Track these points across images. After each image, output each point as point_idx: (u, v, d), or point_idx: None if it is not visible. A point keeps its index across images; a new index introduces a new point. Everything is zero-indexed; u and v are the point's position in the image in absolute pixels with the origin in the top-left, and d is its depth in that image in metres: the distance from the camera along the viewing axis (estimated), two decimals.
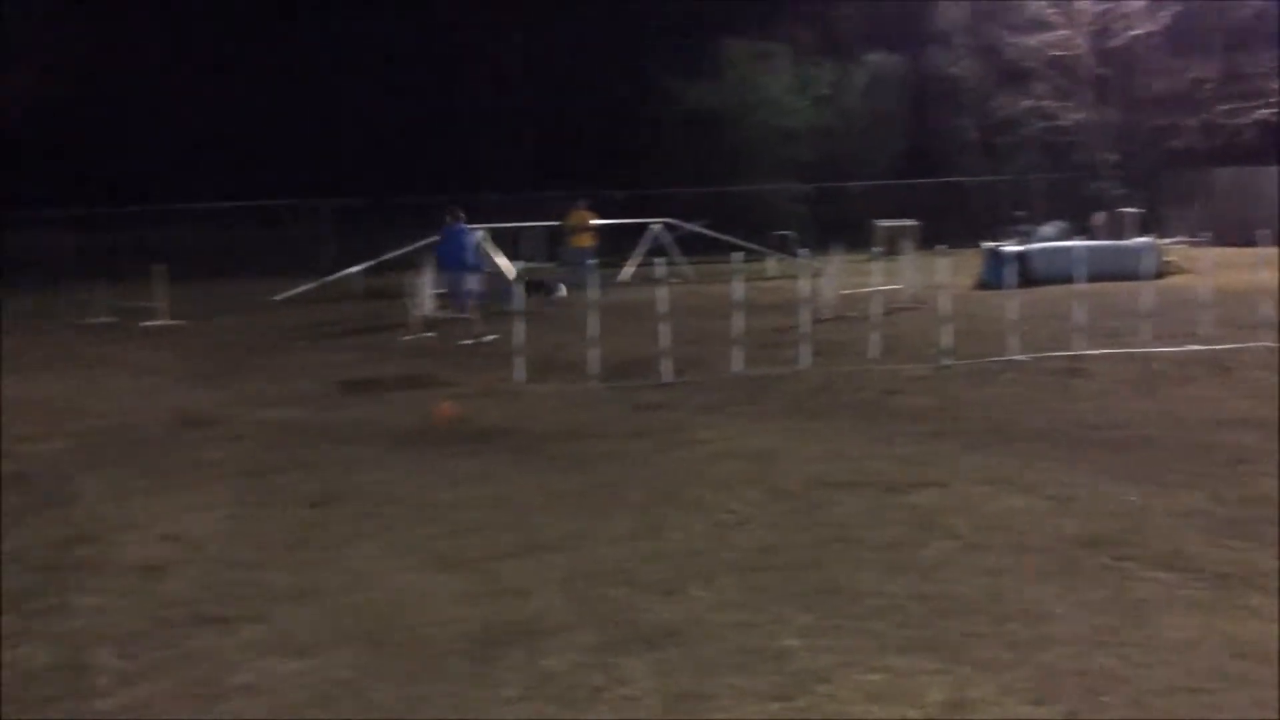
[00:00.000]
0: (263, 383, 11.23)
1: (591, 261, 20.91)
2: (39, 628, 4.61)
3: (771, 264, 23.03)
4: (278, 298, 21.73)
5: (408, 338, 14.61)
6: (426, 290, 16.93)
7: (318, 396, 10.32)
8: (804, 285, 12.05)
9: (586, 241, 22.27)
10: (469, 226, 15.97)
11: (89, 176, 33.89)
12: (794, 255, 21.21)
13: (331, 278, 23.12)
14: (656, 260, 14.31)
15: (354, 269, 23.04)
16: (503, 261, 22.73)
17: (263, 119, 37.80)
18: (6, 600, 4.93)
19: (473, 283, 15.11)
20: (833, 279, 15.66)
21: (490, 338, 13.72)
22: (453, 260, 15.28)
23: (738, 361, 10.84)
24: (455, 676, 4.03)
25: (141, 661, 4.23)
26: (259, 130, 37.50)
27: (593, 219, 22.72)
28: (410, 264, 18.81)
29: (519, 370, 10.66)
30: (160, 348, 14.71)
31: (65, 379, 11.95)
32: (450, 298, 15.74)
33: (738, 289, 11.45)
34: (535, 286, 18.37)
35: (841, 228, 24.45)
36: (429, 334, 14.78)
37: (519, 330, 10.94)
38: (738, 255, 15.18)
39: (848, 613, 4.53)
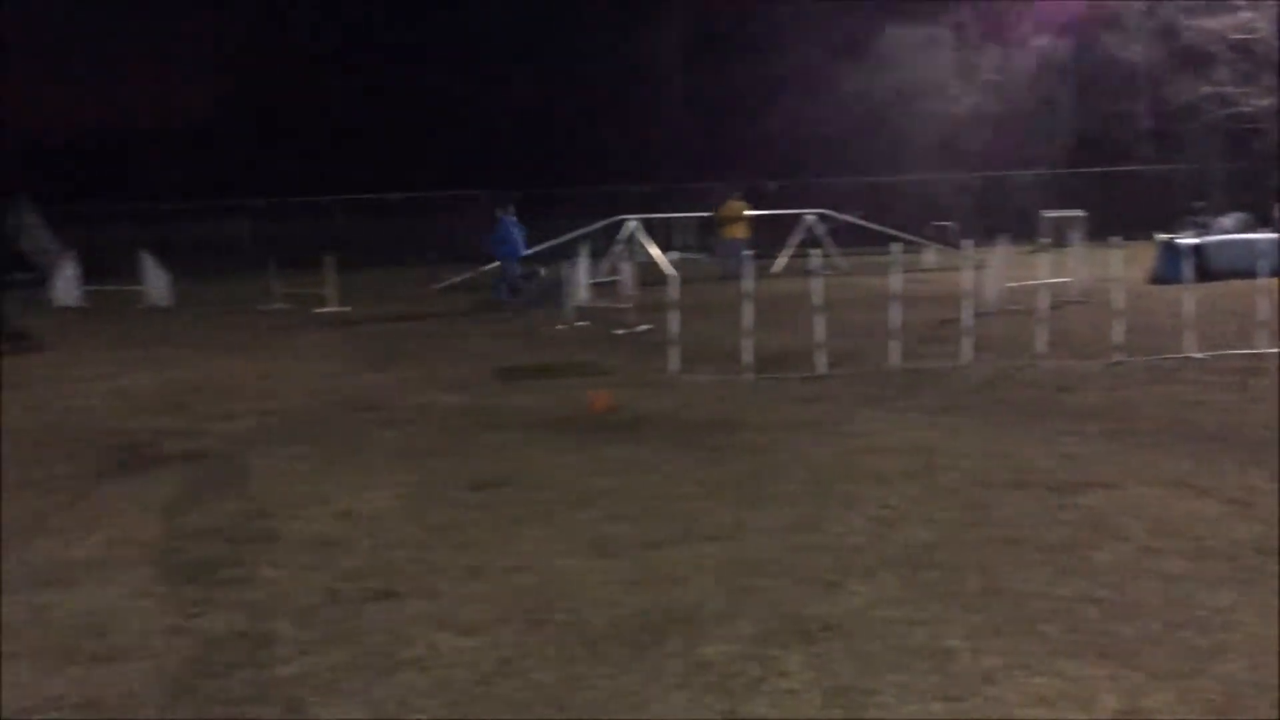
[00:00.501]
0: (425, 369, 11.61)
1: (745, 252, 20.88)
2: (222, 597, 4.86)
3: (930, 256, 22.53)
4: (437, 286, 22.42)
5: (561, 326, 14.86)
6: (581, 280, 17.19)
7: (478, 383, 10.60)
8: (966, 278, 11.72)
9: (740, 232, 22.23)
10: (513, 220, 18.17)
11: (264, 169, 35.53)
12: (955, 247, 20.72)
13: (488, 267, 23.71)
14: (811, 252, 14.14)
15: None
16: (654, 251, 22.93)
17: (429, 112, 39.00)
18: (194, 570, 5.23)
19: (514, 270, 17.36)
20: (996, 271, 15.20)
21: (644, 327, 13.83)
22: (505, 250, 17.55)
23: (895, 355, 10.65)
24: (614, 661, 4.08)
25: (318, 632, 4.42)
26: (424, 123, 38.72)
27: (747, 210, 22.64)
28: (565, 254, 19.13)
29: (673, 360, 10.72)
30: (330, 334, 15.37)
31: (246, 362, 12.61)
32: (497, 285, 17.72)
33: (895, 281, 11.24)
34: (528, 278, 18.13)
35: (1006, 219, 23.71)
36: (583, 323, 14.99)
37: (673, 320, 11.00)
38: (895, 246, 14.89)
39: (1014, 615, 4.40)
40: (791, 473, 6.73)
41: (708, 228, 25.65)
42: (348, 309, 18.65)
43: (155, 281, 21.02)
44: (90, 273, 21.93)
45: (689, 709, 3.70)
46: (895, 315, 10.88)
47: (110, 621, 4.58)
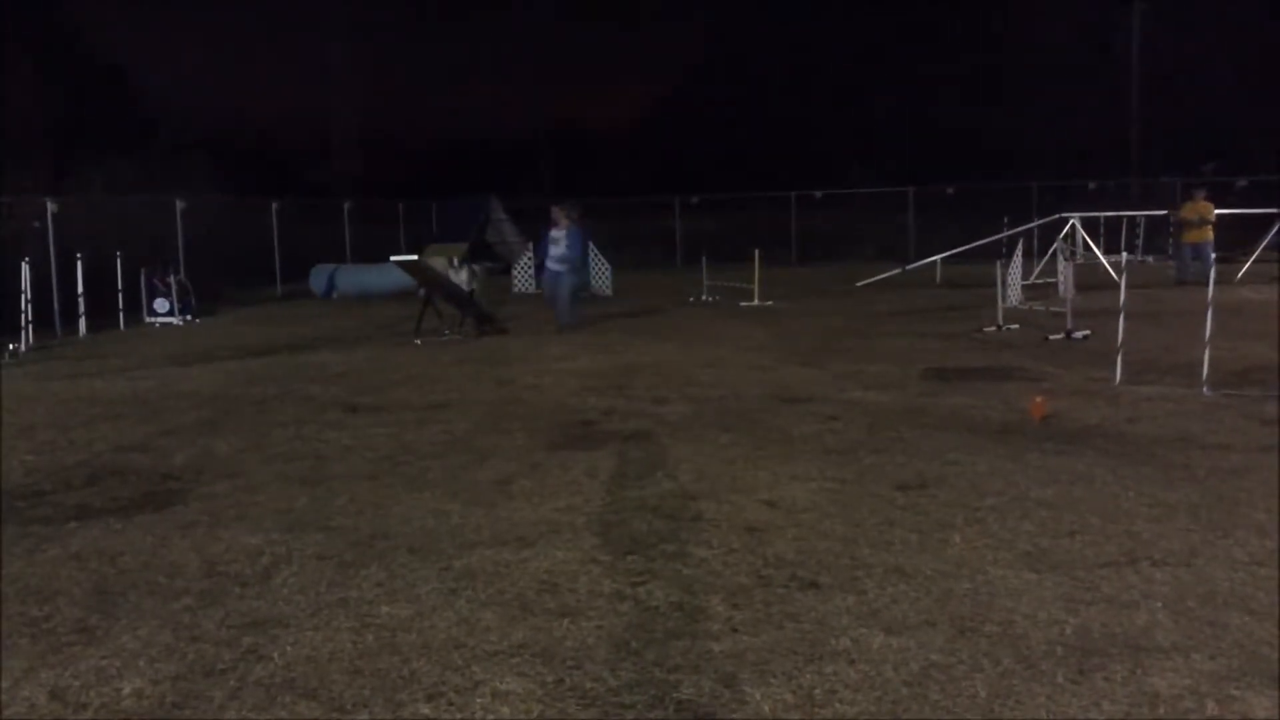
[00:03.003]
0: (850, 365, 11.63)
1: (1211, 256, 19.05)
2: (660, 569, 5.15)
3: None
4: (860, 284, 22.38)
5: (990, 328, 14.31)
6: (1015, 280, 16.45)
7: (904, 381, 10.46)
8: None
9: (1205, 235, 20.24)
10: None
11: (696, 167, 37.34)
12: None
13: (912, 265, 23.32)
14: None
15: (935, 257, 23.09)
16: (1097, 252, 21.42)
17: (855, 111, 39.12)
18: (634, 542, 5.59)
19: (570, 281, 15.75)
20: None
21: (1082, 334, 13.00)
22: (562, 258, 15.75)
23: None
24: (1050, 680, 3.88)
25: (747, 614, 4.56)
26: (852, 121, 38.88)
27: (1213, 210, 20.55)
28: (996, 253, 18.39)
29: (1118, 369, 9.98)
30: (755, 327, 15.82)
31: (679, 350, 13.29)
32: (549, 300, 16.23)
33: None
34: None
35: None
36: (1013, 326, 14.35)
37: (1119, 327, 10.23)
38: None
39: None
40: (1257, 500, 6.04)
41: (1158, 227, 23.59)
42: (771, 303, 19.11)
43: (600, 272, 22.71)
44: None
45: None
46: None
47: (563, 582, 5.01)
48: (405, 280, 18.24)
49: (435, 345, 14.38)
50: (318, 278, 24.31)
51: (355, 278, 24.17)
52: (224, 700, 3.89)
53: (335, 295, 23.68)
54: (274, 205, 25.39)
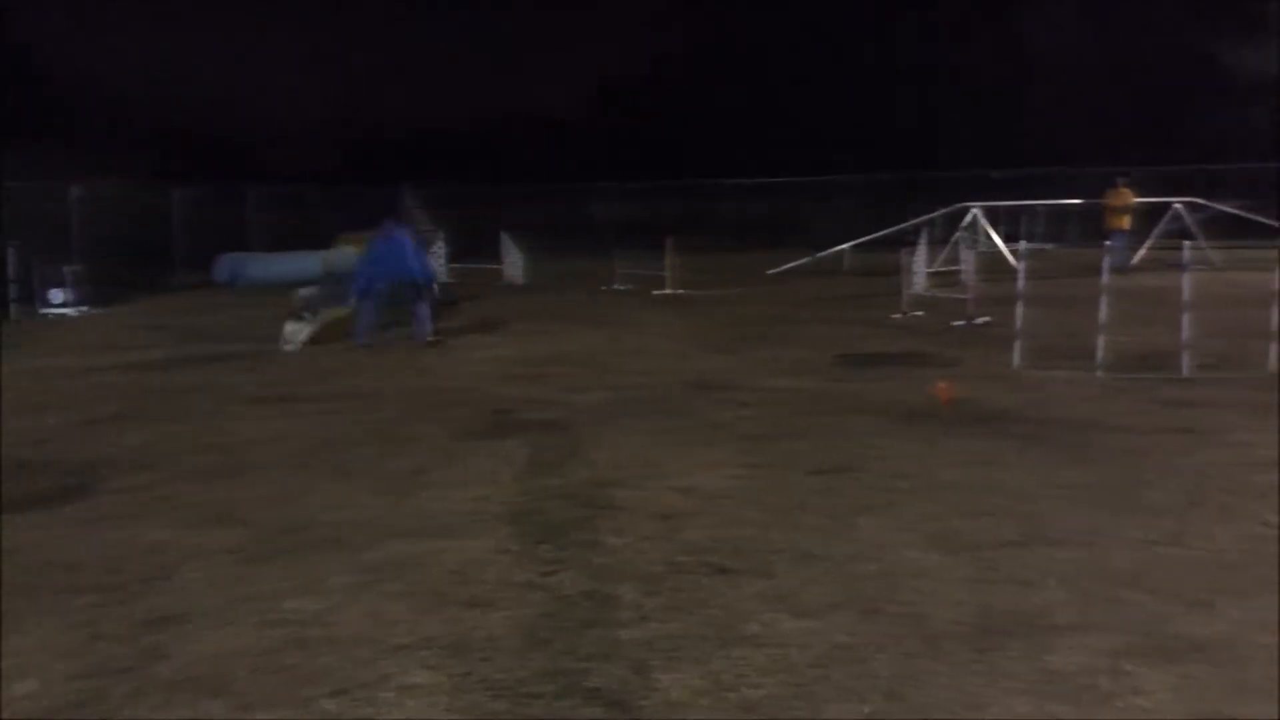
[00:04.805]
0: (764, 352, 11.75)
1: (1119, 244, 19.65)
2: (573, 558, 5.15)
3: None
4: (771, 272, 22.61)
5: (897, 315, 14.57)
6: (919, 268, 16.77)
7: (816, 368, 10.60)
8: None
9: (1123, 223, 20.90)
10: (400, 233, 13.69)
11: (614, 156, 37.31)
12: None
13: (823, 254, 23.62)
14: (1184, 244, 13.02)
15: (843, 245, 23.43)
16: (998, 240, 21.94)
17: (765, 98, 39.46)
18: (547, 531, 5.58)
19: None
20: None
21: (984, 319, 13.31)
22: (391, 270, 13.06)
23: (1276, 359, 9.64)
24: (953, 659, 3.97)
25: (658, 601, 4.58)
26: (763, 109, 39.20)
27: (1133, 199, 21.20)
28: (903, 242, 18.72)
29: (1018, 354, 10.23)
30: (671, 315, 15.88)
31: (595, 339, 13.29)
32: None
33: (1277, 278, 10.14)
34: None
35: None
36: (919, 313, 14.63)
37: (1019, 313, 10.50)
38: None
39: None
40: (1155, 480, 6.25)
41: (1061, 216, 24.25)
42: (683, 291, 19.20)
43: (512, 260, 22.58)
44: (457, 252, 23.81)
45: (1034, 716, 3.54)
46: (1277, 316, 9.83)
47: (474, 572, 4.98)
48: (313, 269, 17.93)
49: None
50: (223, 267, 23.76)
51: (262, 267, 23.67)
52: (123, 700, 3.79)
53: (240, 284, 23.15)
54: (175, 193, 24.71)
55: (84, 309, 18.82)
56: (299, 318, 12.98)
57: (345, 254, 15.69)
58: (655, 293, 19.24)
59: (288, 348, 12.65)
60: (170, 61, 36.18)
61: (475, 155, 38.83)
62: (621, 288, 20.27)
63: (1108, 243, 19.64)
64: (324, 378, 10.81)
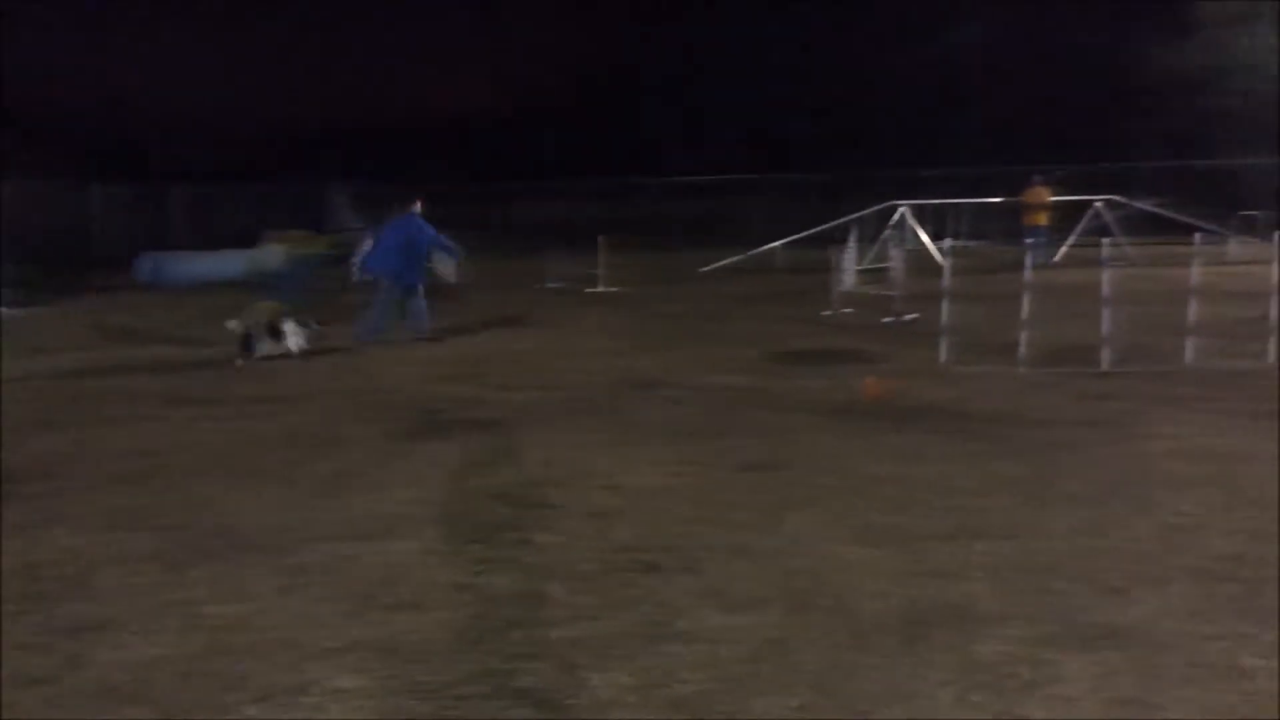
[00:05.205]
0: (697, 349, 11.80)
1: (1038, 241, 20.06)
2: (503, 558, 5.12)
3: (1234, 248, 20.77)
4: (703, 269, 22.71)
5: (827, 312, 14.71)
6: (849, 266, 16.96)
7: (748, 366, 10.66)
8: (1277, 272, 10.71)
9: (1041, 220, 21.39)
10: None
11: (543, 155, 37.24)
12: (1263, 238, 19.00)
13: (755, 251, 23.78)
14: (1102, 241, 13.34)
15: (777, 243, 23.61)
16: (925, 238, 22.28)
17: (696, 98, 39.61)
18: (478, 531, 5.54)
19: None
20: None
21: (911, 316, 13.50)
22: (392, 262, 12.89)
23: (1193, 353, 9.91)
24: (881, 650, 4.02)
25: (588, 599, 4.57)
26: (692, 108, 39.36)
27: (1049, 196, 21.69)
28: (834, 239, 18.92)
29: (944, 350, 10.40)
30: (602, 313, 15.88)
31: (527, 338, 13.24)
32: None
33: (1193, 273, 10.44)
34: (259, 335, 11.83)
35: None
36: (849, 310, 14.79)
37: (944, 310, 10.67)
38: (1196, 237, 13.79)
39: None
40: (1076, 472, 6.40)
41: (986, 214, 24.70)
42: (617, 289, 19.20)
43: (441, 259, 22.35)
44: None
45: (956, 706, 3.60)
46: (1193, 310, 10.11)
47: (403, 574, 4.93)
48: (235, 269, 17.58)
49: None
50: (144, 267, 23.23)
51: (184, 267, 23.18)
52: (40, 710, 3.69)
53: (161, 284, 22.63)
54: (95, 192, 24.11)
55: (3, 310, 18.28)
56: (275, 330, 11.96)
57: (272, 253, 15.39)
58: (588, 291, 19.22)
59: (291, 347, 11.93)
60: (92, 61, 35.32)
61: (404, 154, 38.50)
62: (554, 286, 20.20)
63: (1029, 240, 20.14)
64: (250, 379, 10.63)
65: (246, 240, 21.87)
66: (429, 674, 3.88)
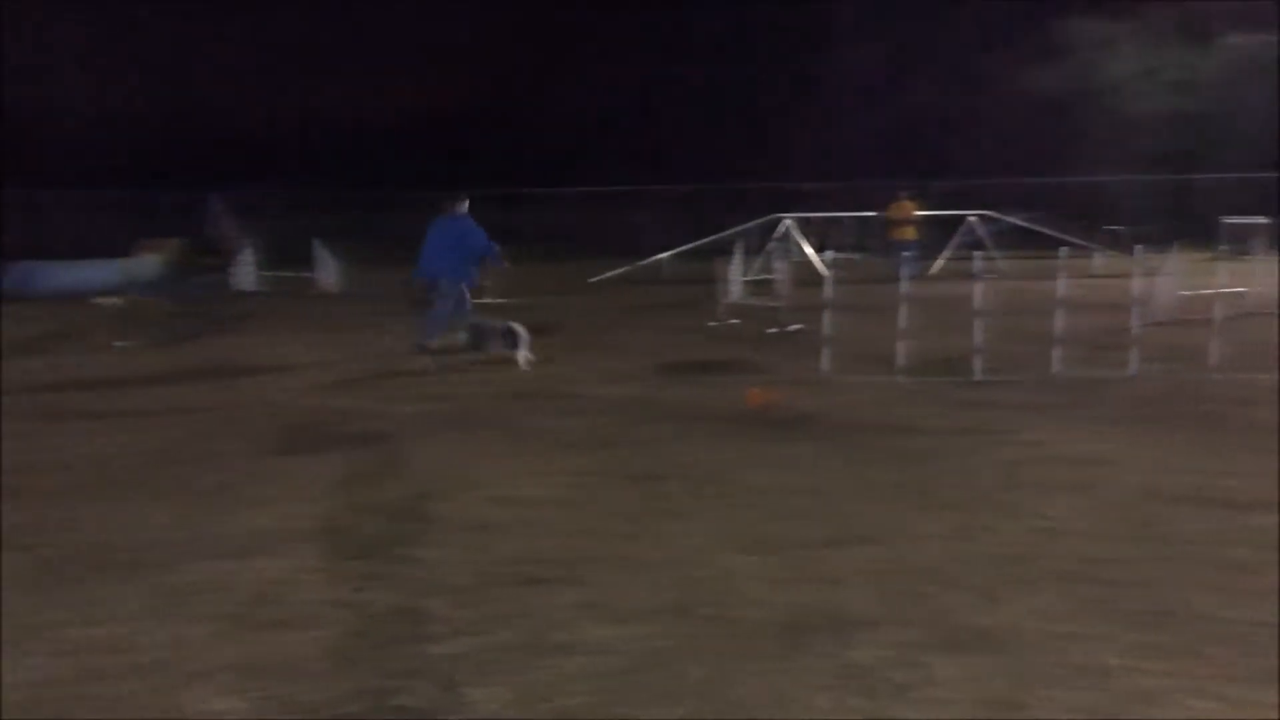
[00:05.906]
0: (585, 360, 11.82)
1: (909, 254, 20.57)
2: (384, 574, 5.06)
3: (1100, 261, 21.67)
4: (592, 280, 22.75)
5: (714, 323, 14.88)
6: (736, 277, 17.17)
7: (636, 376, 10.72)
8: (1137, 285, 11.26)
9: (908, 234, 21.90)
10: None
11: (431, 164, 36.78)
12: (1126, 252, 19.90)
13: (643, 262, 23.93)
14: (976, 254, 13.79)
15: (664, 254, 23.79)
16: (809, 250, 22.73)
17: (595, 107, 39.69)
18: (359, 547, 5.46)
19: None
20: (1171, 279, 14.52)
21: (795, 327, 13.74)
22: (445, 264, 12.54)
23: (1059, 362, 10.31)
24: (763, 658, 4.09)
25: (470, 614, 4.55)
26: (590, 119, 39.42)
27: (915, 210, 22.25)
28: (720, 250, 19.14)
29: (826, 360, 10.62)
30: None
31: (411, 349, 13.02)
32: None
33: (1061, 286, 10.88)
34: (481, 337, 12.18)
35: (1185, 224, 22.65)
36: (735, 320, 14.98)
37: (826, 321, 10.90)
38: (1063, 250, 14.38)
39: (1181, 635, 4.23)
40: (950, 479, 6.60)
41: (867, 227, 25.28)
42: (505, 300, 19.08)
43: (326, 268, 21.98)
44: (272, 259, 23.00)
45: (834, 710, 3.69)
46: (1060, 322, 10.53)
47: (282, 592, 4.83)
48: (110, 278, 17.00)
49: (158, 347, 13.46)
50: (12, 276, 22.24)
51: (55, 275, 22.26)
52: None
53: (30, 294, 21.71)
54: None
55: None
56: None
57: (147, 262, 14.94)
58: (476, 302, 19.02)
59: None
60: None
61: (286, 162, 37.66)
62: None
63: (904, 254, 20.69)
64: (125, 393, 10.26)
65: (120, 249, 21.15)
66: (305, 693, 3.82)
